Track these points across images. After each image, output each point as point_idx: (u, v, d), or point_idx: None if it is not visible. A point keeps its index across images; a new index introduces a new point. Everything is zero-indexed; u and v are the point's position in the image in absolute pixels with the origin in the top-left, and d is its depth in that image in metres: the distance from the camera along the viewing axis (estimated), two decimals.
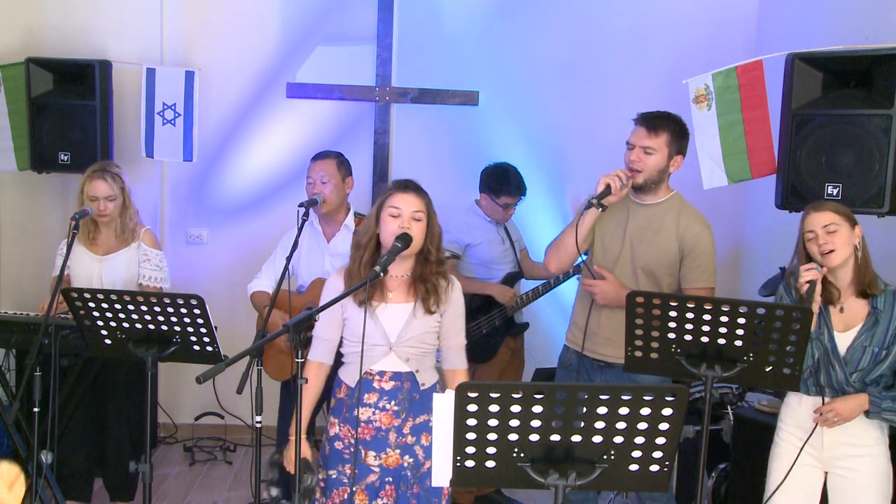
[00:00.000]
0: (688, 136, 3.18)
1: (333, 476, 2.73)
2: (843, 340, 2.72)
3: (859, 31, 3.86)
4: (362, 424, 2.71)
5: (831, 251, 2.66)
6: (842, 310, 2.74)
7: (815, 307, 2.62)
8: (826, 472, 2.80)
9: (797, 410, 2.82)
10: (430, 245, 2.70)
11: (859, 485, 2.72)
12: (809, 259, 2.72)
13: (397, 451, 2.70)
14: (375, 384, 2.71)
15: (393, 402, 2.70)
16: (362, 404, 2.72)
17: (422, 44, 4.95)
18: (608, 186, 3.01)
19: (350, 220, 3.62)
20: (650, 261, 3.13)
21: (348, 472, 2.71)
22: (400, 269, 2.72)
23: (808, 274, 2.65)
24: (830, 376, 2.73)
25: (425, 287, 2.70)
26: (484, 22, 4.97)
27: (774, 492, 2.81)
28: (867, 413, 2.69)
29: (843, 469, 2.75)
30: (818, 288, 2.64)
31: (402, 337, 2.70)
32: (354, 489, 2.69)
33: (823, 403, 2.72)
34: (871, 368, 2.70)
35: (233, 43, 4.92)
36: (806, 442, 2.75)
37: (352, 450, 2.71)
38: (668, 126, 3.10)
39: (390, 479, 2.69)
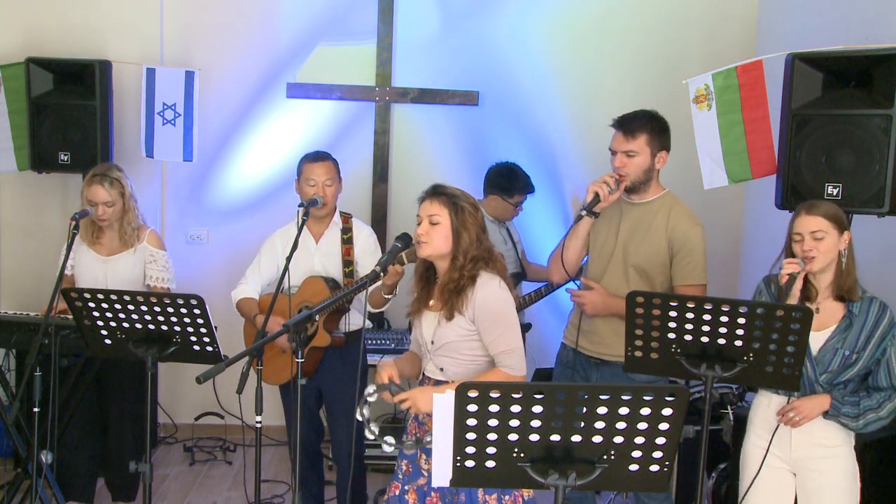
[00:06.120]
0: (668, 130, 3.18)
1: (396, 467, 2.77)
2: (817, 340, 2.74)
3: (859, 31, 3.86)
4: (422, 426, 2.72)
5: (813, 257, 2.69)
6: (817, 310, 2.75)
7: (793, 301, 2.64)
8: (795, 475, 2.82)
9: (766, 412, 2.84)
10: (457, 250, 2.62)
11: (827, 486, 2.74)
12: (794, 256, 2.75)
13: None
14: None
15: None
16: None
17: (422, 44, 4.95)
18: (596, 195, 3.05)
19: (338, 219, 3.63)
20: (641, 259, 3.14)
21: (404, 468, 2.73)
22: (442, 276, 2.69)
23: (789, 266, 2.68)
24: (802, 374, 2.74)
25: (447, 291, 2.63)
26: (484, 22, 4.97)
27: (746, 493, 2.83)
28: (825, 414, 2.71)
29: (811, 471, 2.76)
30: (798, 283, 2.67)
31: (434, 344, 2.68)
32: (406, 488, 2.70)
33: (789, 403, 2.75)
34: (839, 371, 2.73)
35: (233, 43, 4.92)
36: (771, 441, 2.77)
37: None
38: (645, 126, 3.11)
39: (435, 488, 2.67)
